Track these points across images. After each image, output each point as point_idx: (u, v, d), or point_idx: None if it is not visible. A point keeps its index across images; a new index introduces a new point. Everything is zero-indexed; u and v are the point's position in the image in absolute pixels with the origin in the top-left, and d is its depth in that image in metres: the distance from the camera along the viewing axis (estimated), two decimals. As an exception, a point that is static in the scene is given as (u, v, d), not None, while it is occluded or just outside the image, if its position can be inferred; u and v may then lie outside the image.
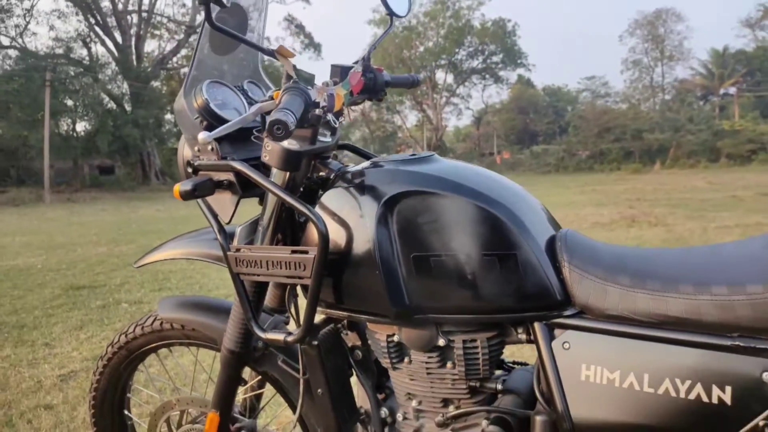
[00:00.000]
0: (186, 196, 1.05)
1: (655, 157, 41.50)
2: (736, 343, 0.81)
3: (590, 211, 10.97)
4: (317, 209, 1.06)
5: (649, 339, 0.87)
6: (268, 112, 0.99)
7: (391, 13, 1.27)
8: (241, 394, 1.42)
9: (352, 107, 1.33)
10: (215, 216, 1.15)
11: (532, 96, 60.42)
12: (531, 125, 60.28)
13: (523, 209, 1.00)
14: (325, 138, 1.16)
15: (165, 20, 34.41)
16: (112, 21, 31.72)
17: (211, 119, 1.11)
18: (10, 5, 28.69)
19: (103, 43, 31.75)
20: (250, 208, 1.21)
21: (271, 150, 1.05)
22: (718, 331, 0.83)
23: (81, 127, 31.48)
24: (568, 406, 0.91)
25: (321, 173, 1.15)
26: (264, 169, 1.10)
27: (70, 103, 29.40)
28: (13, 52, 29.70)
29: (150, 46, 35.15)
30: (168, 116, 34.39)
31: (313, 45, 37.00)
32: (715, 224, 8.08)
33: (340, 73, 1.18)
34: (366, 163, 1.12)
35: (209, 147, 1.10)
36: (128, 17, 32.23)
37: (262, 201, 1.17)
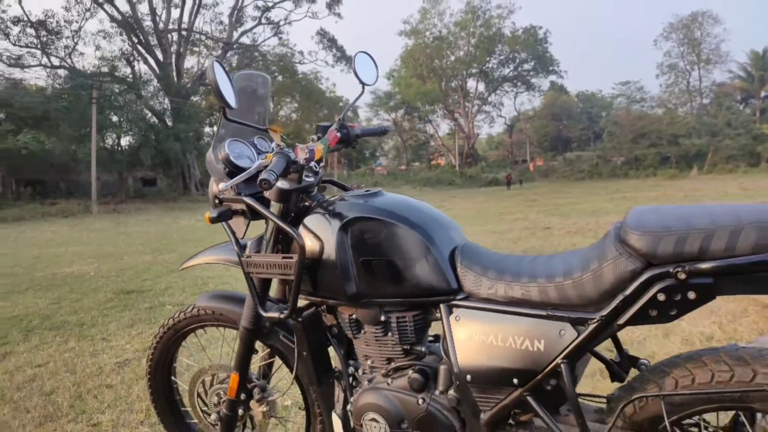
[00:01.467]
0: (213, 221, 1.57)
1: (693, 162, 40.83)
2: (548, 313, 1.27)
3: (613, 218, 11.18)
4: (300, 228, 1.56)
5: (504, 312, 1.33)
6: (265, 167, 1.49)
7: (362, 83, 1.77)
8: (257, 363, 1.92)
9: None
10: (233, 233, 1.66)
11: (565, 102, 59.97)
12: (564, 132, 59.86)
13: (436, 229, 1.47)
14: (309, 178, 1.66)
15: (203, 37, 35.86)
16: (153, 39, 33.28)
17: (231, 167, 1.62)
18: (59, 27, 30.42)
19: (146, 61, 33.33)
20: (259, 228, 1.72)
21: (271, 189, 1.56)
22: (539, 306, 1.29)
23: (125, 141, 33.06)
24: (457, 358, 1.38)
25: (306, 203, 1.64)
26: (265, 201, 1.61)
27: (115, 119, 30.94)
28: (62, 72, 31.48)
29: (189, 62, 36.66)
30: (207, 129, 35.73)
31: (345, 58, 37.82)
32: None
33: (322, 129, 1.70)
34: (335, 197, 1.61)
35: (233, 188, 1.61)
36: (169, 35, 33.74)
37: (266, 223, 1.67)
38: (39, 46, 30.59)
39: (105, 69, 32.47)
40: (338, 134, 1.73)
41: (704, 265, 1.08)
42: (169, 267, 7.40)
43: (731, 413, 1.24)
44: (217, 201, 1.67)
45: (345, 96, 45.77)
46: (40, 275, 7.34)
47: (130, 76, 33.35)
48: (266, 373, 1.94)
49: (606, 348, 1.48)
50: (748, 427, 1.20)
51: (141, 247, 10.43)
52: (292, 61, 39.11)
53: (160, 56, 33.25)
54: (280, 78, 39.25)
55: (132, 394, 2.89)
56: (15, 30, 29.46)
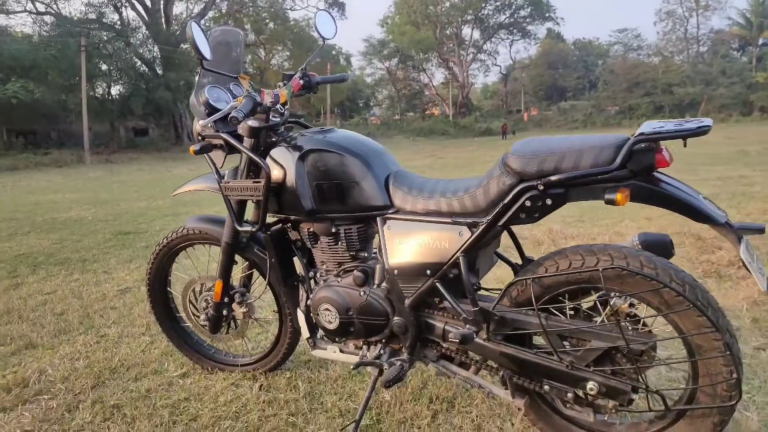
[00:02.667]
0: (197, 153, 1.93)
1: (686, 111, 40.88)
2: (452, 219, 1.66)
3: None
4: (267, 159, 1.92)
5: (421, 221, 1.71)
6: (235, 108, 1.84)
7: (322, 37, 2.10)
8: (238, 275, 2.32)
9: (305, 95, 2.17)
10: (214, 164, 2.03)
11: (562, 51, 59.17)
12: (560, 81, 59.37)
13: (374, 158, 1.84)
14: (276, 118, 2.00)
15: (192, -18, 35.04)
16: (140, -16, 32.53)
17: (210, 109, 1.97)
18: (44, -29, 29.67)
19: (133, 7, 32.68)
20: (235, 161, 2.08)
21: (242, 126, 1.91)
22: (446, 215, 1.67)
23: (116, 90, 32.89)
24: (388, 257, 1.78)
25: (273, 139, 2.00)
26: (240, 138, 1.97)
27: (104, 67, 30.64)
28: (49, 19, 30.91)
29: (178, 8, 36.06)
30: (197, 78, 35.37)
31: (337, 4, 37.18)
32: (697, 177, 8.65)
33: (287, 77, 2.04)
34: (296, 134, 1.96)
35: (210, 125, 1.96)
36: (156, -20, 32.94)
37: (240, 155, 2.03)
38: (23, -8, 29.96)
39: (92, 15, 31.89)
40: (301, 81, 2.07)
41: (556, 179, 1.46)
42: (164, 212, 7.77)
43: (592, 300, 1.63)
44: (200, 138, 2.03)
45: (337, 44, 45.14)
46: (40, 219, 7.70)
47: (118, 23, 32.79)
48: (246, 283, 2.33)
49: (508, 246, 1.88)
50: (599, 306, 1.60)
51: (136, 194, 10.77)
52: (284, 8, 38.44)
53: (148, 2, 32.61)
54: (271, 25, 38.65)
55: (133, 313, 3.31)
56: (-2, -26, 28.78)
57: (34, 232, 6.68)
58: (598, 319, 1.59)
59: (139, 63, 32.24)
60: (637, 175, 1.43)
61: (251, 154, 1.87)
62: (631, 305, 1.57)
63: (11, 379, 2.39)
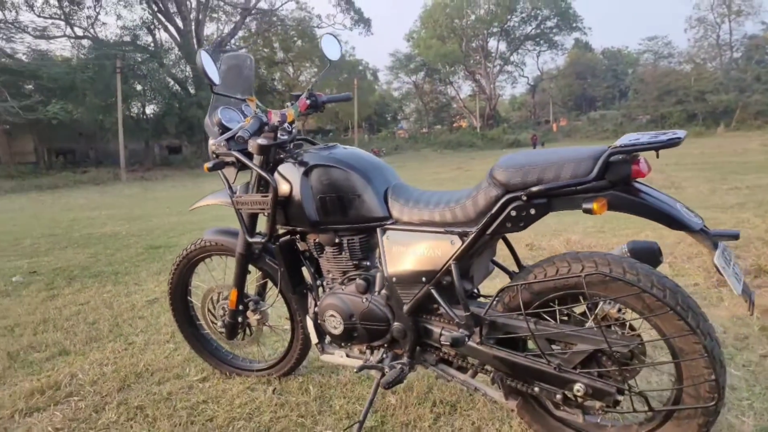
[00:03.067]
0: (210, 170, 2.08)
1: (720, 119, 40.01)
2: (445, 229, 1.75)
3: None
4: (275, 174, 2.05)
5: (417, 231, 1.82)
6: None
7: (328, 59, 2.23)
8: (253, 284, 2.45)
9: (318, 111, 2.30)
10: (227, 180, 2.17)
11: (590, 60, 58.68)
12: (589, 90, 58.84)
13: (374, 172, 1.95)
14: (284, 136, 2.14)
15: (222, 3, 36.01)
16: (173, 7, 33.61)
17: (223, 129, 2.12)
18: (81, -3, 30.91)
19: (166, 29, 33.75)
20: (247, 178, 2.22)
21: (252, 144, 2.05)
22: (440, 225, 1.77)
23: (150, 110, 33.87)
24: (387, 266, 1.88)
25: (281, 155, 2.13)
26: (250, 155, 2.10)
27: (139, 87, 31.64)
28: (86, 42, 32.13)
29: (209, 29, 36.98)
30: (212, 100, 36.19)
31: (363, 21, 37.69)
32: (727, 186, 8.54)
33: (294, 98, 2.18)
34: (301, 151, 2.09)
35: (222, 144, 2.11)
36: (188, 3, 33.99)
37: (251, 171, 2.17)
38: (62, 17, 31.17)
39: (127, 38, 33.02)
40: (307, 101, 2.21)
41: (538, 189, 1.55)
42: (194, 226, 8.02)
43: (583, 307, 1.71)
44: (214, 156, 2.18)
45: (364, 59, 45.69)
46: (77, 235, 8.04)
47: (152, 44, 33.90)
48: (261, 292, 2.47)
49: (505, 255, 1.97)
50: (587, 311, 1.67)
51: (168, 210, 11.12)
52: (311, 25, 39.14)
53: (180, 24, 33.64)
54: (299, 43, 39.35)
55: (160, 322, 3.48)
56: (39, 1, 30.07)
57: (71, 246, 6.99)
58: (587, 324, 1.67)
59: (172, 83, 33.19)
60: (615, 185, 1.51)
61: (259, 170, 2.01)
62: (620, 310, 1.64)
63: (45, 383, 2.56)
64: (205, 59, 1.84)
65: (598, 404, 1.61)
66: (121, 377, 2.62)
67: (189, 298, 2.64)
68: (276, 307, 2.52)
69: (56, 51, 32.32)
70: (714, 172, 10.94)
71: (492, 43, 52.76)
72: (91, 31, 32.44)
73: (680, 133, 1.45)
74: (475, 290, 1.97)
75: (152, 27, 33.99)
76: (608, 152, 1.48)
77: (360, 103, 34.43)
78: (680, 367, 1.55)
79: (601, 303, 1.65)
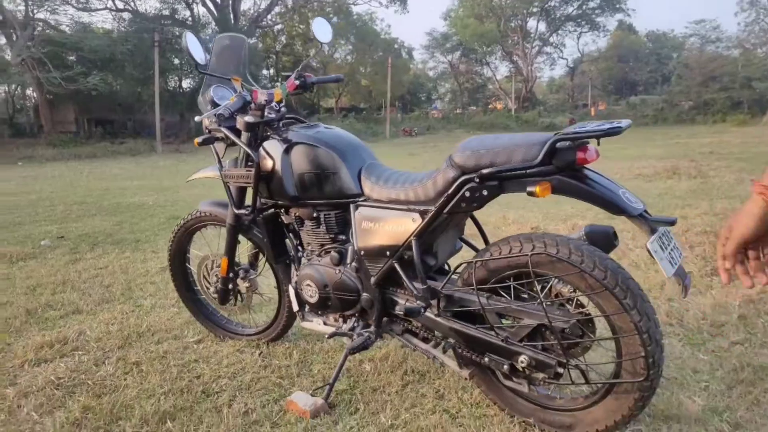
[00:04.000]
0: (200, 144, 2.22)
1: (767, 107, 38.53)
2: (408, 207, 1.85)
3: (645, 164, 11.26)
4: (260, 150, 2.18)
5: (384, 208, 1.92)
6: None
7: (319, 41, 2.34)
8: (245, 254, 2.60)
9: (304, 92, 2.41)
10: (217, 155, 2.31)
11: (633, 43, 56.78)
12: (631, 74, 57.13)
13: (350, 152, 2.06)
14: (271, 114, 2.26)
15: (259, -21, 36.06)
16: (211, -19, 33.84)
17: (215, 106, 2.25)
18: (122, -30, 31.41)
19: (204, 4, 34.02)
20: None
21: (239, 121, 2.18)
22: (404, 203, 1.87)
23: (186, 83, 34.38)
24: (356, 240, 2.00)
25: (268, 133, 2.26)
26: (238, 131, 2.23)
27: (176, 61, 32.12)
28: (126, 15, 32.72)
29: (245, 4, 37.20)
30: (264, 72, 36.49)
31: (398, -1, 37.31)
32: (756, 177, 8.33)
33: (284, 78, 2.30)
34: (285, 129, 2.21)
35: (213, 119, 2.25)
36: (226, -23, 34.16)
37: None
38: (104, -11, 31.79)
39: (166, 12, 33.48)
40: (296, 82, 2.32)
41: (488, 172, 1.63)
42: (217, 198, 8.25)
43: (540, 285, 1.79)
44: (207, 131, 2.31)
45: (399, 38, 45.30)
46: (107, 203, 8.38)
47: (190, 19, 34.27)
48: (253, 262, 2.62)
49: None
50: (537, 288, 1.76)
51: (195, 182, 11.40)
52: (347, 2, 38.95)
53: (217, -1, 33.92)
54: (335, 20, 39.24)
55: (168, 288, 3.67)
56: (82, -27, 30.65)
57: (100, 214, 7.31)
58: (536, 301, 1.76)
59: (248, 78, 33.51)
60: (562, 170, 1.59)
61: (243, 146, 2.14)
62: (575, 290, 1.73)
63: (55, 337, 2.78)
64: (190, 40, 1.97)
65: (541, 375, 1.70)
66: (124, 336, 2.82)
67: (187, 265, 2.81)
68: (266, 276, 2.67)
69: (98, 23, 33.05)
70: (749, 162, 10.63)
71: (531, 23, 51.52)
72: (132, 4, 32.98)
73: (624, 122, 1.52)
74: (445, 266, 2.08)
75: (190, 1, 34.35)
76: (553, 139, 1.56)
77: (393, 83, 34.30)
78: (619, 344, 1.63)
79: (554, 282, 1.74)
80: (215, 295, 2.59)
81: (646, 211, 1.59)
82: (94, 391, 2.22)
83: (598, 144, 1.56)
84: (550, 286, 1.75)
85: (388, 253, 1.92)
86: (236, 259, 2.57)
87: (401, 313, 1.86)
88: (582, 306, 1.71)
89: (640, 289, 1.61)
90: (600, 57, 56.95)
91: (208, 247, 2.75)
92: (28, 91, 33.79)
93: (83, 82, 26.11)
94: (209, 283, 2.64)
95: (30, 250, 5.01)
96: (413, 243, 1.84)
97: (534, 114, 45.92)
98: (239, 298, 2.62)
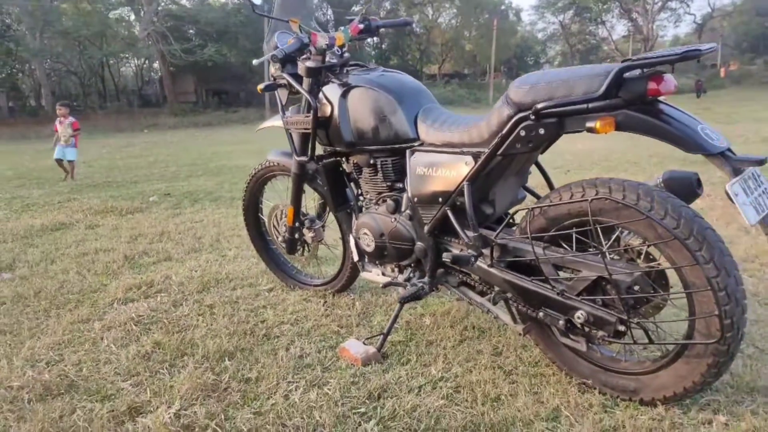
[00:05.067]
0: (263, 90, 2.22)
1: None
2: (461, 150, 1.73)
3: (778, 125, 10.09)
4: (320, 95, 2.14)
5: (437, 152, 1.82)
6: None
7: None
8: (315, 205, 2.61)
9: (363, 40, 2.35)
10: (281, 102, 2.31)
11: (776, -7, 50.44)
12: (770, 29, 50.98)
13: (407, 94, 1.96)
14: (333, 59, 2.21)
15: (364, -56, 35.92)
16: (318, -50, 34.23)
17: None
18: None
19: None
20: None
21: (300, 66, 2.15)
22: (457, 146, 1.75)
23: (294, 54, 35.37)
24: (410, 187, 1.91)
25: (330, 79, 2.21)
26: (300, 78, 2.21)
27: (285, 32, 33.09)
28: (239, -13, 34.07)
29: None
30: (369, 40, 36.64)
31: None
32: None
33: (348, 22, 2.23)
34: (346, 74, 2.15)
35: (277, 66, 2.24)
36: (332, -54, 34.40)
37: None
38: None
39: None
40: (360, 26, 2.25)
41: (542, 106, 1.48)
42: (312, 161, 8.46)
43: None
44: (272, 78, 2.32)
45: (507, -1, 43.44)
46: (213, 166, 8.88)
47: (298, -12, 35.02)
48: (320, 212, 2.62)
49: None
50: (601, 237, 1.59)
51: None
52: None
53: (324, -33, 34.32)
54: (439, -18, 38.38)
55: (252, 240, 3.81)
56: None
57: (205, 175, 7.76)
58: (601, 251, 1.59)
59: (314, 25, 34.21)
60: (631, 104, 1.40)
61: (302, 90, 2.11)
62: (644, 242, 1.55)
63: (143, 280, 2.98)
64: None
65: (600, 333, 1.55)
66: (204, 282, 2.95)
67: (260, 215, 2.88)
68: (334, 228, 2.67)
69: (214, -4, 34.60)
70: None
71: (655, -24, 47.29)
72: (244, -24, 34.27)
73: (705, 45, 1.30)
74: (505, 216, 1.94)
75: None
76: (619, 67, 1.37)
77: (499, 46, 33.10)
78: (691, 301, 1.45)
79: (624, 233, 1.58)
80: (284, 245, 2.63)
81: (729, 150, 1.37)
82: (167, 328, 2.35)
83: (672, 71, 1.35)
84: (618, 237, 1.58)
85: (440, 199, 1.83)
86: (304, 210, 2.59)
87: (448, 260, 1.76)
88: (653, 260, 1.53)
89: (721, 241, 1.41)
90: (734, 11, 51.23)
91: (279, 198, 2.80)
92: (155, 65, 36.41)
93: (200, 54, 27.68)
94: (278, 232, 2.69)
95: (139, 204, 5.42)
96: (465, 188, 1.73)
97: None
98: (306, 248, 2.64)
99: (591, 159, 7.49)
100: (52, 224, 4.61)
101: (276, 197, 2.83)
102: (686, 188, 1.55)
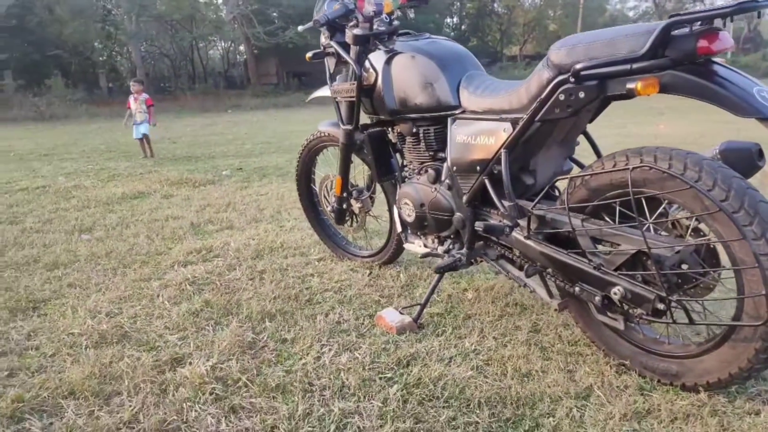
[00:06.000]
0: (312, 58, 2.24)
1: None
2: (500, 116, 1.67)
3: None
4: (366, 62, 2.13)
5: (477, 119, 1.76)
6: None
7: None
8: (364, 176, 2.62)
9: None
10: (329, 70, 2.32)
11: None
12: None
13: (451, 61, 1.91)
14: (381, 27, 2.18)
15: None
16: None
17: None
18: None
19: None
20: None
21: (348, 34, 2.15)
22: (497, 113, 1.68)
23: (373, 35, 35.44)
24: (450, 155, 1.87)
25: (378, 47, 2.20)
26: (348, 46, 2.20)
27: (364, 13, 33.22)
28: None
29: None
30: (447, 20, 36.07)
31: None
32: None
33: None
34: (392, 41, 2.12)
35: (326, 34, 2.25)
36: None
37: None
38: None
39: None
40: None
41: (581, 67, 1.40)
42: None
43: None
44: (322, 47, 2.33)
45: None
46: (286, 143, 9.11)
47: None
48: (369, 183, 2.63)
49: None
50: (646, 210, 1.50)
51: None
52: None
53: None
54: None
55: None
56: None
57: (277, 152, 7.98)
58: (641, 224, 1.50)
59: (412, 15, 34.06)
60: (679, 64, 1.30)
61: (348, 58, 2.11)
62: (697, 219, 1.45)
63: (203, 245, 3.12)
64: None
65: (638, 311, 1.47)
66: (259, 249, 3.05)
67: (312, 186, 2.92)
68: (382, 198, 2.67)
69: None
70: None
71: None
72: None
73: None
74: (551, 188, 1.86)
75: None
76: (666, 23, 1.27)
77: (585, 26, 31.57)
78: (740, 280, 1.33)
79: (672, 207, 1.48)
80: (332, 215, 2.66)
81: None
82: (218, 290, 2.45)
83: (724, 25, 1.23)
84: (665, 210, 1.48)
85: (478, 168, 1.78)
86: (353, 180, 2.60)
87: (481, 229, 1.72)
88: (702, 234, 1.42)
89: (776, 215, 1.28)
90: None
91: (331, 168, 2.82)
92: (241, 47, 37.65)
93: (282, 37, 28.31)
94: (328, 202, 2.72)
95: (212, 177, 5.66)
96: (502, 156, 1.67)
97: (757, 57, 39.22)
98: (355, 219, 2.66)
99: (674, 143, 7.04)
100: (132, 193, 4.91)
101: (328, 168, 2.86)
102: (745, 160, 1.43)
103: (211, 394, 1.61)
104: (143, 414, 1.53)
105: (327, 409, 1.52)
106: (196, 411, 1.53)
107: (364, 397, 1.58)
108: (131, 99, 8.04)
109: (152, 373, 1.73)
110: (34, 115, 18.45)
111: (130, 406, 1.56)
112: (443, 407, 1.52)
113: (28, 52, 24.87)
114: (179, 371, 1.74)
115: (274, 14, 32.12)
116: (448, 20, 36.48)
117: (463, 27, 37.39)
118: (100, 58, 31.30)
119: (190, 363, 1.79)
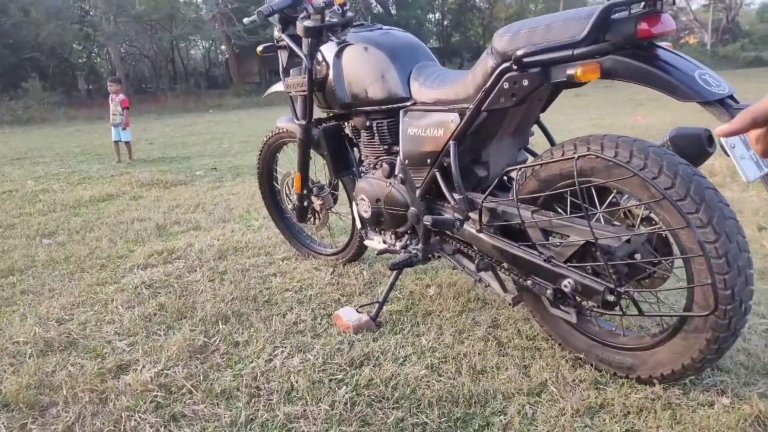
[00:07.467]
0: (261, 52, 2.17)
1: None
2: (448, 107, 1.62)
3: None
4: (317, 54, 2.07)
5: (426, 111, 1.71)
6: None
7: None
8: (325, 172, 2.56)
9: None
10: (281, 64, 2.26)
11: None
12: None
13: (402, 52, 1.86)
14: (333, 18, 2.13)
15: None
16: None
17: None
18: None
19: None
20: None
21: (298, 26, 2.09)
22: (445, 104, 1.63)
23: (355, 31, 35.32)
24: (402, 148, 1.82)
25: (331, 39, 2.14)
26: (299, 39, 2.14)
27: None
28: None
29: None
30: (429, 15, 36.05)
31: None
32: None
33: None
34: (344, 33, 2.06)
35: (279, 27, 2.18)
36: None
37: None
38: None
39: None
40: None
41: (527, 55, 1.35)
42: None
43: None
44: (274, 41, 2.27)
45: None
46: (264, 142, 9.02)
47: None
48: (331, 180, 2.57)
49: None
50: (596, 200, 1.46)
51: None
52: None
53: (386, -57, 33.84)
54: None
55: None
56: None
57: (254, 151, 7.72)
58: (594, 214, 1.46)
59: (374, 4, 33.96)
60: (620, 48, 1.25)
61: (298, 51, 2.05)
62: (647, 208, 1.41)
63: (165, 248, 3.04)
64: None
65: (589, 303, 1.43)
66: (223, 250, 2.98)
67: (274, 183, 2.86)
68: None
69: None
70: None
71: (741, -60, 43.82)
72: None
73: None
74: (504, 180, 1.82)
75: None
76: (604, 6, 1.23)
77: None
78: (690, 269, 1.30)
79: (619, 195, 1.44)
80: (294, 212, 2.60)
81: (732, 97, 1.20)
82: (175, 293, 2.38)
83: (661, 8, 1.19)
84: (616, 200, 1.45)
85: (428, 160, 1.73)
86: (314, 177, 2.55)
87: (428, 223, 1.67)
88: (655, 224, 1.38)
89: (725, 203, 1.25)
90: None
91: (292, 165, 2.76)
92: (222, 47, 37.31)
93: (263, 35, 28.08)
94: (290, 200, 2.66)
95: (184, 178, 5.57)
96: (451, 147, 1.62)
97: (735, 48, 39.63)
98: (317, 216, 2.60)
99: (651, 133, 7.06)
100: (100, 196, 4.81)
101: (290, 165, 2.80)
102: (695, 146, 1.39)
103: (152, 402, 1.54)
104: (78, 425, 1.46)
105: (272, 414, 1.47)
106: (135, 420, 1.47)
107: (312, 400, 1.52)
108: (110, 99, 7.92)
109: (94, 382, 1.66)
110: (11, 119, 18.14)
111: (66, 417, 1.49)
112: (392, 408, 1.47)
113: (3, 54, 24.42)
114: (122, 379, 1.68)
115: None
116: (430, 16, 36.43)
117: (445, 22, 37.38)
118: (79, 60, 30.89)
119: (135, 370, 1.72)
